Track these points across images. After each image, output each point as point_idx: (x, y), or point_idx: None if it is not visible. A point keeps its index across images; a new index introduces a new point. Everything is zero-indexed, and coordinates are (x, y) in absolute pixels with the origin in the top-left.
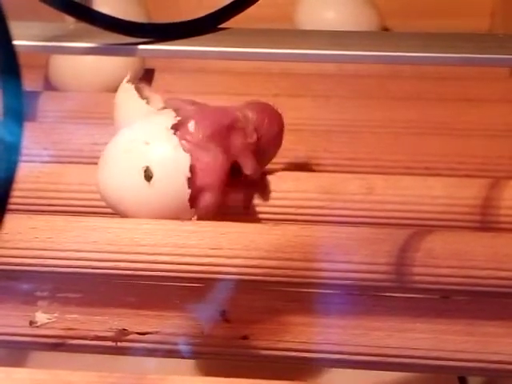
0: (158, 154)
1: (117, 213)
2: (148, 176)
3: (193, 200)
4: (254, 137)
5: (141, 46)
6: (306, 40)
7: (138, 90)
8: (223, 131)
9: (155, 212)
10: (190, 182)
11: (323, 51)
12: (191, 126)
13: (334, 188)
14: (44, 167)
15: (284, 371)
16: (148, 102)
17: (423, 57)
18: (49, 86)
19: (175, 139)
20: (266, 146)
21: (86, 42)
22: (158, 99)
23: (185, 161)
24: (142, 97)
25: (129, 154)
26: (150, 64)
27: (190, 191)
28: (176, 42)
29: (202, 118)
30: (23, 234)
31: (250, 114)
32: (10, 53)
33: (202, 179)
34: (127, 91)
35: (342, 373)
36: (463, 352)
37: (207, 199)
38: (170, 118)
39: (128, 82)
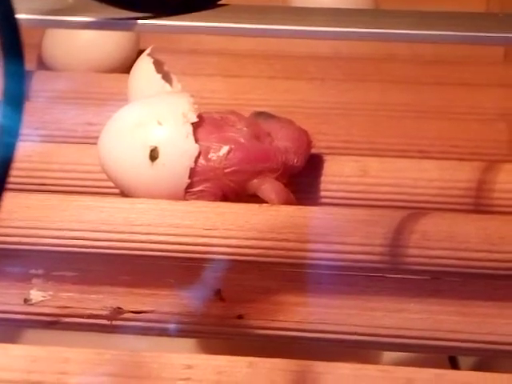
0: (168, 138)
1: (114, 184)
2: (153, 156)
3: (188, 189)
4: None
5: (140, 21)
6: (306, 17)
7: (156, 64)
8: (251, 175)
9: (151, 192)
10: (192, 172)
11: (324, 28)
12: (223, 150)
13: (329, 170)
14: (37, 147)
15: (279, 350)
16: (163, 79)
17: (421, 34)
18: (42, 65)
19: (189, 127)
20: (296, 165)
21: (86, 16)
22: (174, 79)
23: (193, 151)
24: (158, 72)
25: (138, 129)
26: (144, 45)
27: (189, 181)
28: (175, 17)
29: (241, 150)
30: (17, 212)
31: (293, 156)
32: (13, 27)
33: (203, 175)
34: (145, 63)
35: (336, 352)
36: (457, 332)
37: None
38: (188, 103)
39: (149, 54)
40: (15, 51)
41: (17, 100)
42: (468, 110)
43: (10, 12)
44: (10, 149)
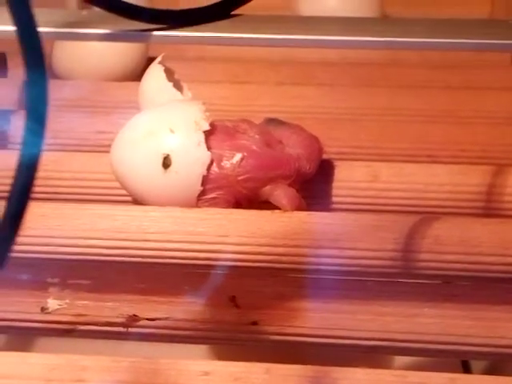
0: (180, 145)
1: (127, 192)
2: (166, 164)
3: (201, 197)
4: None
5: (156, 33)
6: (319, 26)
7: (167, 72)
8: (264, 182)
9: (164, 200)
10: (205, 180)
11: (336, 37)
12: (237, 157)
13: (340, 176)
14: (49, 155)
15: (292, 356)
16: (174, 87)
17: (433, 43)
18: (52, 74)
19: (201, 135)
20: (308, 172)
21: (101, 28)
22: (185, 87)
23: (205, 159)
24: (169, 80)
25: (151, 137)
26: (153, 53)
27: (201, 188)
28: (190, 28)
29: (254, 158)
30: (32, 221)
31: (305, 163)
32: (36, 41)
33: (216, 182)
34: (156, 71)
35: (348, 357)
36: (470, 336)
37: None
38: (200, 111)
39: (160, 63)
40: (38, 64)
41: (39, 112)
42: (476, 114)
43: (32, 26)
44: (33, 160)
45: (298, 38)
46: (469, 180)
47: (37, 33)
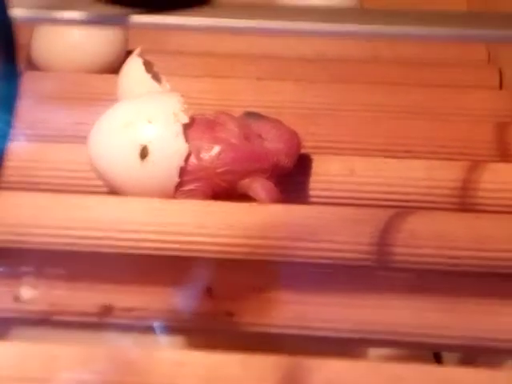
0: (158, 136)
1: (103, 183)
2: (143, 154)
3: (179, 188)
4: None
5: (134, 17)
6: (299, 14)
7: (145, 64)
8: (243, 175)
9: (141, 190)
10: (183, 171)
11: (318, 25)
12: (215, 150)
13: (317, 169)
14: (27, 146)
15: (269, 347)
16: (153, 78)
17: (408, 32)
18: (31, 65)
19: (179, 127)
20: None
21: (80, 12)
22: (163, 79)
23: (183, 150)
24: (148, 72)
25: (129, 127)
26: (132, 45)
27: (179, 180)
28: (168, 13)
29: (233, 151)
30: (7, 211)
31: (283, 157)
32: (6, 26)
33: (194, 174)
34: (135, 63)
35: (323, 348)
36: (443, 329)
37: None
38: (178, 102)
39: (139, 55)
40: (7, 50)
41: (7, 101)
42: (453, 111)
43: (2, 9)
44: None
45: (277, 27)
46: (445, 175)
47: (8, 17)
